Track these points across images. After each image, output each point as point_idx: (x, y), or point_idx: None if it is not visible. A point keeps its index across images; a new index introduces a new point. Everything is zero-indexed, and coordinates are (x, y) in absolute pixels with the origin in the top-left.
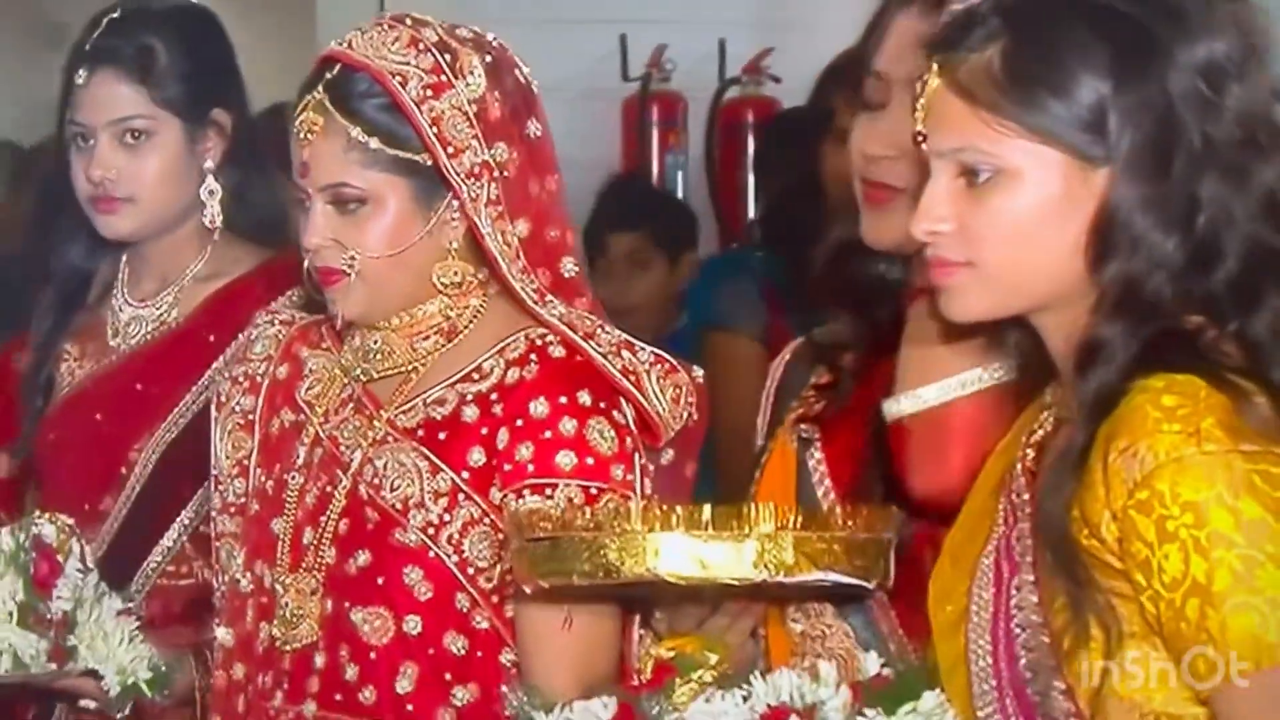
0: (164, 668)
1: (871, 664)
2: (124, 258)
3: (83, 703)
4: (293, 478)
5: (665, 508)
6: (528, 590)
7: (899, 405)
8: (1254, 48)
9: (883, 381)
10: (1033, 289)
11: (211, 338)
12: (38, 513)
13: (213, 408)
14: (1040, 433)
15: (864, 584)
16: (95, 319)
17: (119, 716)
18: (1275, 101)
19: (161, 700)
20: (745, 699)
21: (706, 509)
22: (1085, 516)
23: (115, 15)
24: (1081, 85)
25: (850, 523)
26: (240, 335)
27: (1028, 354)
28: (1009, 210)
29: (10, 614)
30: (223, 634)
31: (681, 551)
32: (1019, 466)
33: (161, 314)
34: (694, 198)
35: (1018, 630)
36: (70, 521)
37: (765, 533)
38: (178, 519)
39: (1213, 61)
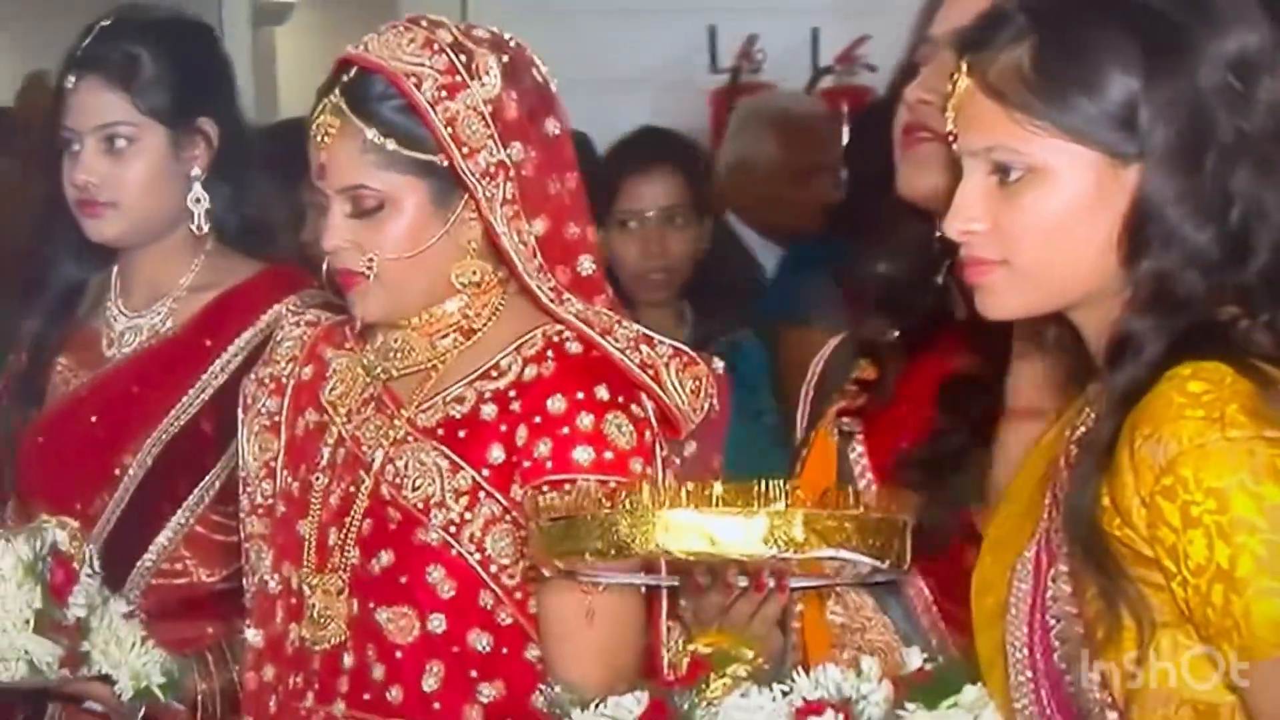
0: (176, 672)
1: (914, 659)
2: (115, 269)
3: (88, 704)
4: (317, 479)
5: (675, 485)
6: (546, 573)
7: None
8: None
9: (925, 376)
10: (1067, 286)
11: (208, 343)
12: (44, 517)
13: (239, 410)
14: (1082, 429)
15: (877, 564)
16: (88, 331)
17: None
18: None
19: (175, 704)
20: (785, 694)
21: (717, 486)
22: (1117, 505)
23: (106, 23)
24: (1112, 82)
25: (864, 503)
26: (239, 340)
27: (1069, 349)
28: (1042, 209)
29: (28, 621)
30: (252, 635)
31: (691, 527)
32: (1062, 461)
33: (156, 323)
34: None
35: (1053, 621)
36: (77, 525)
37: (775, 509)
38: (172, 519)
39: (1243, 55)
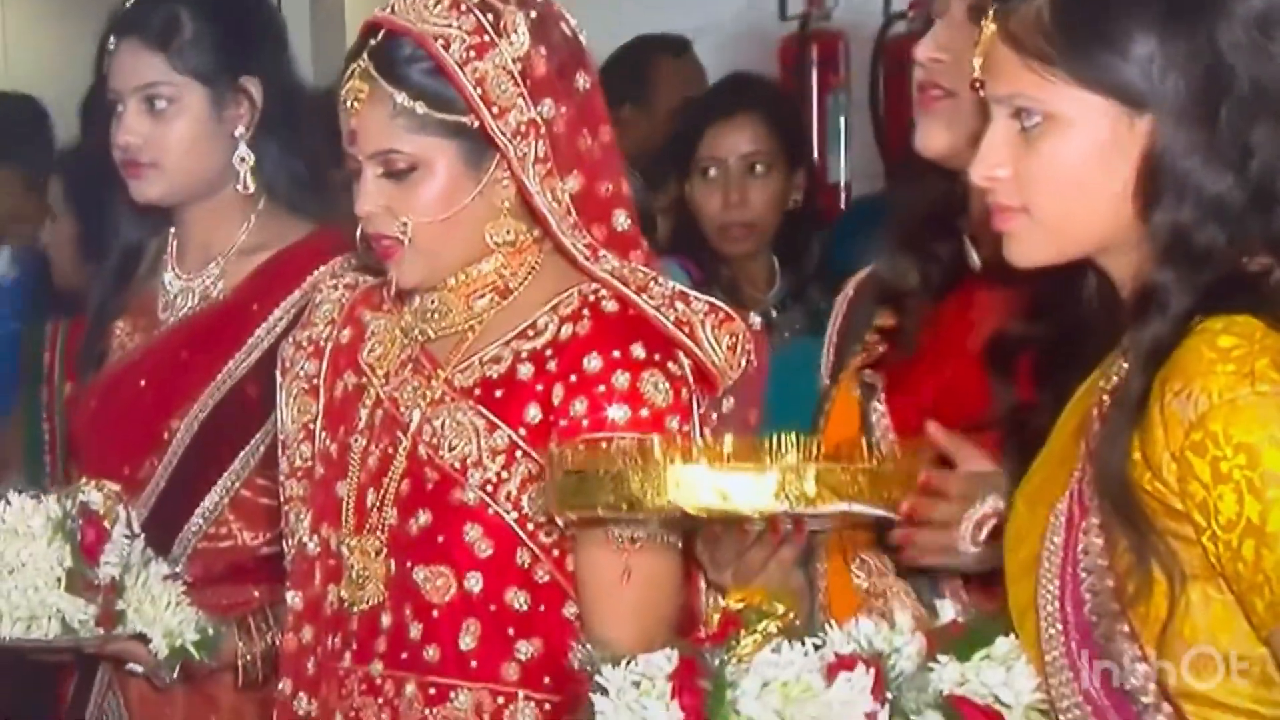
0: (210, 631)
1: (947, 611)
2: (171, 231)
3: (129, 666)
4: (355, 440)
5: (688, 440)
6: (560, 523)
7: None
8: None
9: (947, 325)
10: (1086, 234)
11: (255, 307)
12: (84, 480)
13: (278, 373)
14: (1116, 379)
15: (890, 515)
16: (147, 294)
17: (167, 679)
18: None
19: (209, 662)
20: (818, 648)
21: (728, 441)
22: (1148, 460)
23: None
24: (1127, 33)
25: (877, 456)
26: (284, 303)
27: (1106, 298)
28: (1058, 156)
29: (59, 579)
30: (292, 597)
31: (703, 483)
32: (1095, 412)
33: (208, 286)
34: (856, 140)
35: (1083, 574)
36: (116, 488)
37: (787, 464)
38: (218, 483)
39: (1268, 11)
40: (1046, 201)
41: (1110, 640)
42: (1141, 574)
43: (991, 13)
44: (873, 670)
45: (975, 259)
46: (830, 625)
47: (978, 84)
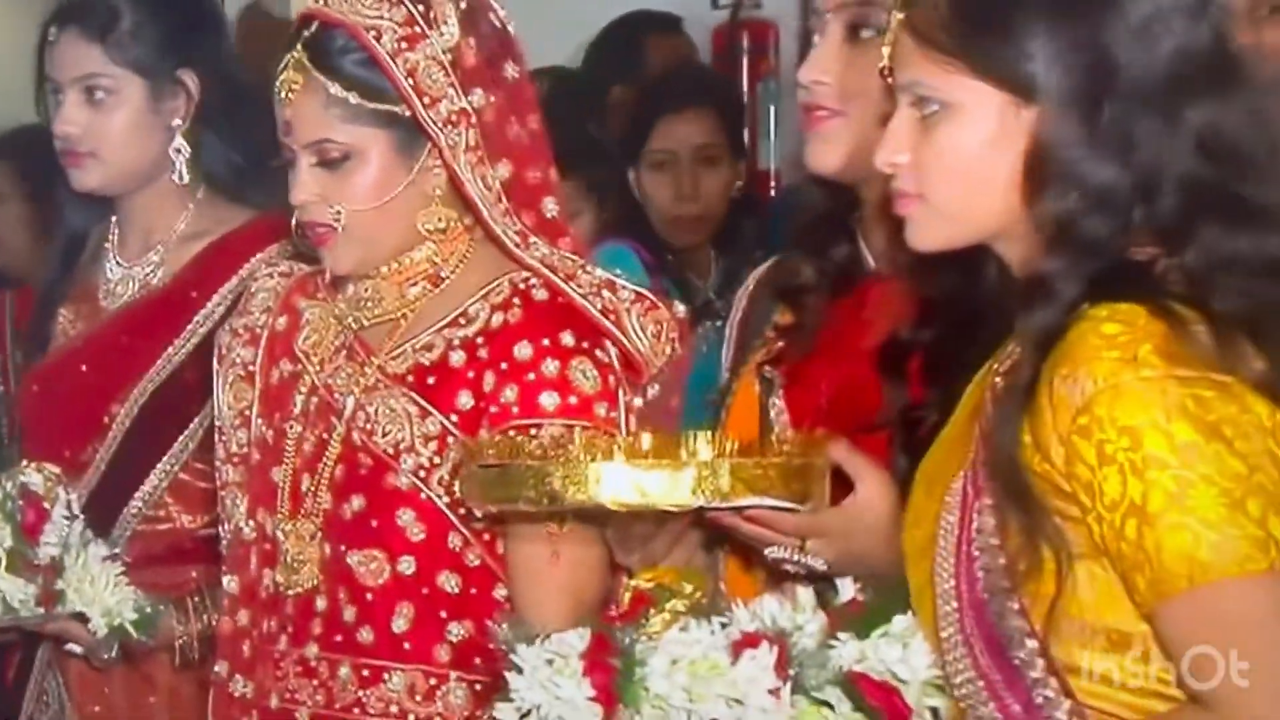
0: (148, 610)
1: (846, 590)
2: (113, 219)
3: (69, 646)
4: (291, 427)
5: (608, 437)
6: (478, 514)
7: None
8: None
9: (844, 324)
10: (979, 221)
11: (194, 294)
12: (24, 463)
13: (215, 360)
14: (1009, 362)
15: (799, 508)
16: (89, 281)
17: (106, 658)
18: (1214, 45)
19: (147, 641)
20: (724, 626)
21: (646, 438)
22: (1037, 442)
23: None
24: (1017, 26)
25: (786, 449)
26: (222, 290)
27: (1005, 285)
28: (950, 144)
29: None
30: (228, 581)
31: (622, 479)
32: (988, 395)
33: (148, 273)
34: (786, 128)
35: (977, 553)
36: (57, 470)
37: (703, 460)
38: (158, 466)
39: (1157, 12)
40: (941, 188)
41: (1002, 617)
42: (1031, 553)
43: (900, 4)
44: (776, 648)
45: (870, 259)
46: (736, 604)
47: (885, 71)
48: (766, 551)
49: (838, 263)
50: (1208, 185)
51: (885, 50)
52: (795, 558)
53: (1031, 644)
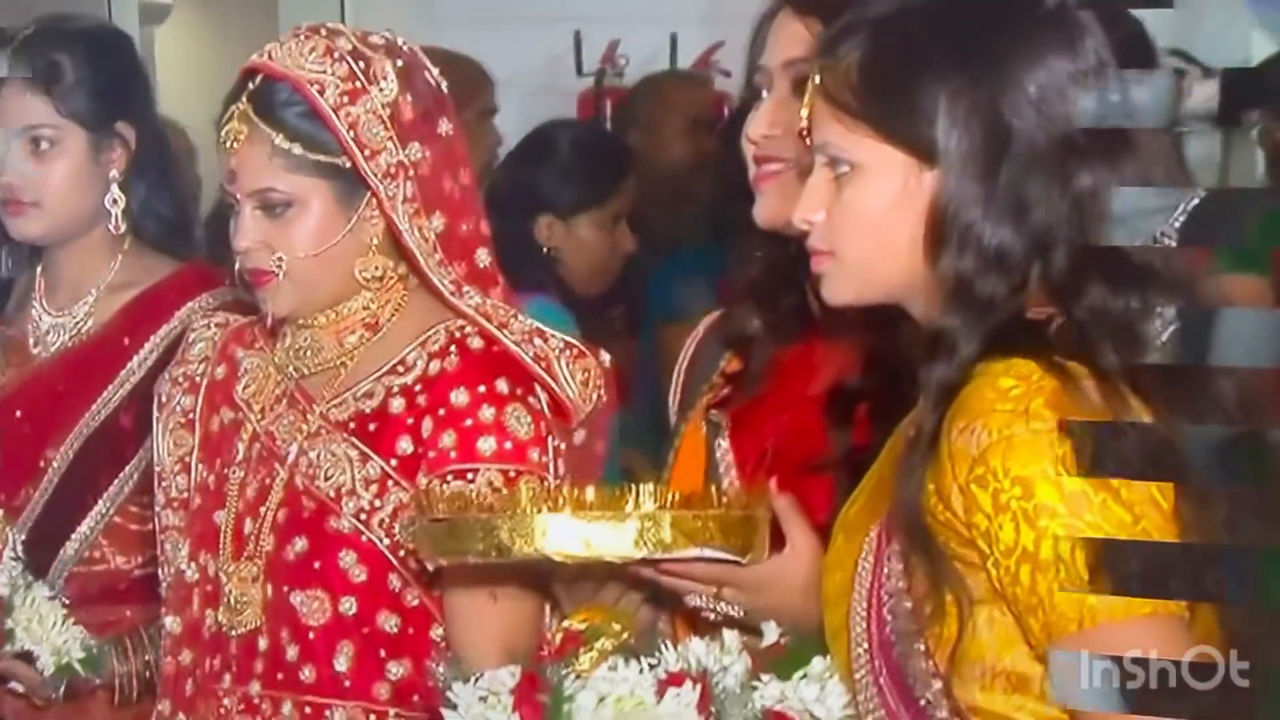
0: (95, 649)
1: (770, 633)
2: (39, 268)
3: (12, 685)
4: (233, 472)
5: (554, 490)
6: (429, 566)
7: None
8: (1101, 64)
9: (789, 370)
10: (885, 278)
11: (126, 341)
12: None
13: (155, 408)
14: (915, 414)
15: (739, 560)
16: (16, 330)
17: (52, 696)
18: (1105, 112)
19: (95, 679)
20: (653, 666)
21: (590, 490)
22: (939, 492)
23: (30, 32)
24: (919, 92)
25: (725, 502)
26: (154, 338)
27: (914, 338)
28: (858, 204)
29: None
30: (170, 622)
31: (568, 532)
32: (900, 447)
33: (78, 322)
34: None
35: (887, 597)
36: (1, 513)
37: (645, 512)
38: (93, 509)
39: (1051, 81)
40: (849, 245)
41: (909, 658)
42: (935, 598)
43: (817, 68)
44: (699, 686)
45: (816, 309)
46: (665, 645)
47: (804, 132)
48: (686, 599)
49: (784, 312)
50: (1096, 247)
51: (804, 112)
52: (711, 605)
53: (936, 684)
